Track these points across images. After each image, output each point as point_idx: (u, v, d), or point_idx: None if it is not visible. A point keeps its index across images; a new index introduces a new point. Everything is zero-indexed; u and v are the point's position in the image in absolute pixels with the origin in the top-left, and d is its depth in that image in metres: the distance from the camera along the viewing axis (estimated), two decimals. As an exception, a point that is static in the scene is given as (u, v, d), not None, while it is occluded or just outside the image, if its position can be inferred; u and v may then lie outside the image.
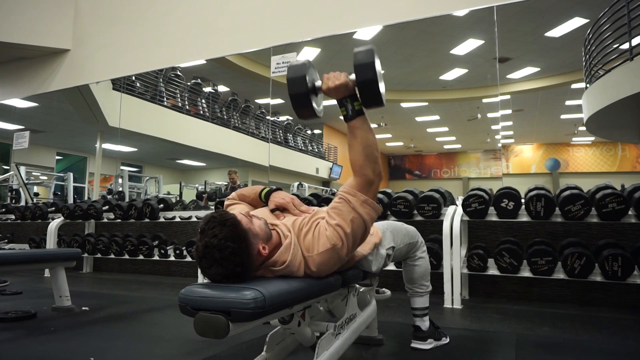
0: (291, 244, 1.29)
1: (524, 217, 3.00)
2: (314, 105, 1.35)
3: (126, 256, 4.53)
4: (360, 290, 1.85)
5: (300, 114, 1.34)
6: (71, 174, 9.64)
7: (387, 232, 1.74)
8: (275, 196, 1.53)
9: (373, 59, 1.28)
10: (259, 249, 1.23)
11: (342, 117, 1.35)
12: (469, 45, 9.02)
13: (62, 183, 9.88)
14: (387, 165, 20.39)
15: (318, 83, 1.36)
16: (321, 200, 3.60)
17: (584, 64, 6.89)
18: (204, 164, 13.74)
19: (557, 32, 8.30)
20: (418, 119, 14.55)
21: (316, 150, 14.88)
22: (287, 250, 1.28)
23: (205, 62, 7.63)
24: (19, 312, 2.64)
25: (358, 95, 1.33)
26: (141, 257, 4.47)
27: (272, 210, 1.50)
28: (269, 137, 11.73)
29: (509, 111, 12.82)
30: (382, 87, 1.33)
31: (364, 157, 1.33)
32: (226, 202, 1.64)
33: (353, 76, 1.32)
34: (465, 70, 10.49)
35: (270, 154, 9.94)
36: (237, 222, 1.19)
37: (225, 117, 10.95)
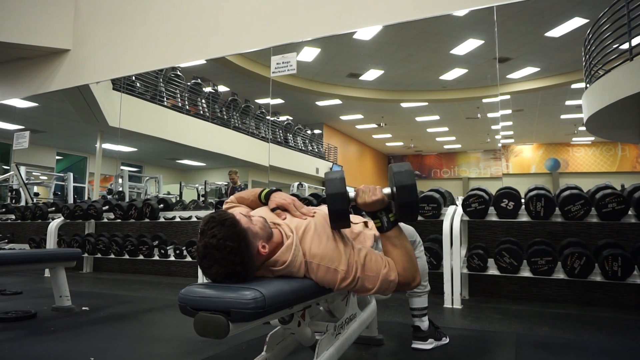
0: (293, 244, 1.29)
1: (524, 217, 3.00)
2: (349, 217, 1.38)
3: (126, 256, 4.53)
4: (360, 290, 1.85)
5: (337, 226, 1.37)
6: (71, 174, 9.65)
7: None
8: (275, 196, 1.53)
9: (414, 181, 1.31)
10: (259, 248, 1.23)
11: (376, 227, 1.41)
12: (469, 45, 9.03)
13: (62, 183, 9.88)
14: (387, 165, 20.37)
15: (352, 194, 1.39)
16: (321, 200, 3.60)
17: (584, 64, 6.89)
18: (204, 164, 13.75)
19: (557, 32, 8.31)
20: (418, 119, 14.56)
21: (316, 150, 14.88)
22: (288, 250, 1.28)
23: (205, 62, 7.63)
24: (19, 312, 2.64)
25: (392, 209, 1.38)
26: (141, 257, 4.47)
27: (273, 210, 1.50)
28: (269, 137, 11.73)
29: (508, 111, 12.83)
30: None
31: (407, 263, 1.38)
32: (225, 206, 1.64)
33: (386, 190, 1.37)
34: (465, 70, 10.50)
35: (270, 154, 9.94)
36: (236, 221, 1.19)
37: (225, 117, 10.95)
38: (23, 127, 7.40)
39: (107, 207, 4.75)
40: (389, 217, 1.38)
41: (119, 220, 4.69)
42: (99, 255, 4.69)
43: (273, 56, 4.05)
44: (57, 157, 12.01)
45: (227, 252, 1.14)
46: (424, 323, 1.94)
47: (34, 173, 10.99)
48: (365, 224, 1.65)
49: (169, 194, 10.46)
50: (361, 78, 11.23)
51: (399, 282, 1.37)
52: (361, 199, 1.37)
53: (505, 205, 2.98)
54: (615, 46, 5.92)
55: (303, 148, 13.85)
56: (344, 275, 1.29)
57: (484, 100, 11.91)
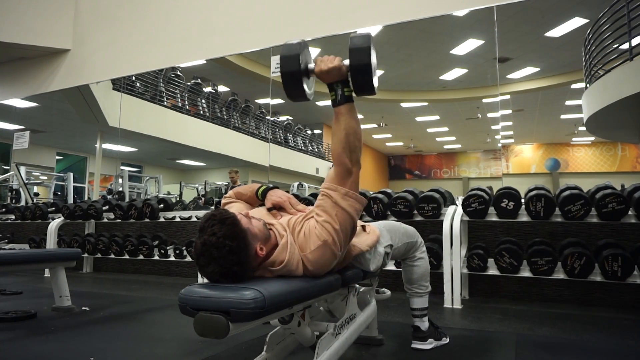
0: (287, 243, 1.29)
1: (524, 217, 3.00)
2: (305, 86, 1.33)
3: (126, 256, 4.53)
4: (360, 290, 1.85)
5: (290, 93, 1.33)
6: (71, 174, 9.65)
7: (385, 231, 1.74)
8: (271, 194, 1.53)
9: (369, 43, 1.27)
10: (257, 250, 1.23)
11: (330, 102, 1.34)
12: (469, 45, 9.03)
13: (62, 183, 9.88)
14: (387, 165, 20.40)
15: (311, 65, 1.35)
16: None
17: (584, 64, 6.89)
18: (204, 164, 13.74)
19: (557, 32, 8.30)
20: (418, 119, 14.56)
21: (316, 150, 14.87)
22: (284, 249, 1.28)
23: (205, 62, 7.62)
24: (19, 312, 2.64)
25: (350, 82, 1.32)
26: (141, 257, 4.47)
27: (269, 210, 1.49)
28: (269, 137, 11.73)
29: (509, 111, 12.82)
30: (375, 74, 1.32)
31: (343, 145, 1.32)
32: (223, 201, 1.64)
33: (347, 62, 1.31)
34: (465, 70, 10.49)
35: (270, 154, 9.94)
36: (237, 221, 1.19)
37: (225, 117, 10.95)
38: (23, 127, 7.40)
39: (107, 207, 4.75)
40: (344, 90, 1.32)
41: (119, 220, 4.69)
42: (99, 255, 4.69)
43: (273, 56, 4.06)
44: (57, 157, 12.01)
45: (226, 251, 1.14)
46: (424, 323, 1.94)
47: (34, 173, 10.99)
48: (363, 227, 1.65)
49: (169, 194, 10.45)
50: (361, 78, 11.21)
51: (340, 175, 1.31)
52: (318, 67, 1.32)
53: (505, 205, 2.98)
54: (615, 46, 5.92)
55: (303, 148, 13.85)
56: (332, 239, 1.27)
57: (484, 100, 11.91)
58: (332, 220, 1.29)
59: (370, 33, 1.31)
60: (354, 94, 1.34)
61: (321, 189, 1.36)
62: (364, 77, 1.29)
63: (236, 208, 1.46)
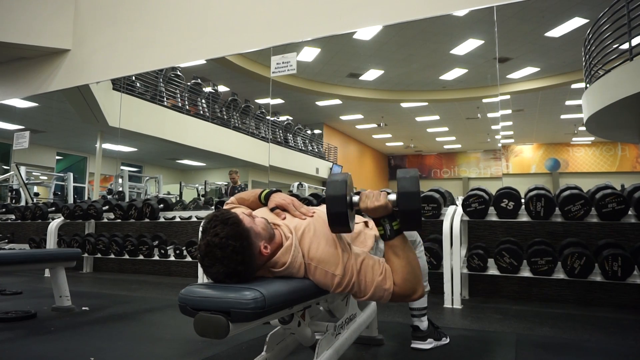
0: (292, 245, 1.29)
1: (524, 217, 3.00)
2: (350, 222, 1.33)
3: (126, 256, 4.53)
4: (360, 290, 1.85)
5: (336, 229, 1.33)
6: (71, 174, 9.64)
7: None
8: (275, 196, 1.53)
9: (418, 188, 1.27)
10: (261, 248, 1.23)
11: (380, 235, 1.37)
12: (469, 45, 9.04)
13: (62, 183, 9.88)
14: (387, 166, 20.41)
15: (355, 199, 1.35)
16: (321, 200, 3.60)
17: (584, 64, 6.89)
18: (204, 164, 13.75)
19: (557, 32, 8.31)
20: (418, 119, 14.56)
21: (316, 150, 14.87)
22: (287, 251, 1.28)
23: (205, 62, 7.63)
24: (19, 312, 2.64)
25: (396, 216, 1.34)
26: (141, 257, 4.47)
27: (272, 210, 1.50)
28: (269, 137, 11.73)
29: (509, 111, 12.83)
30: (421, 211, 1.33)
31: (407, 274, 1.33)
32: (226, 207, 1.64)
33: (392, 197, 1.32)
34: (465, 70, 10.50)
35: (270, 154, 9.95)
36: (239, 220, 1.19)
37: (225, 117, 10.95)
38: (23, 127, 7.41)
39: (107, 207, 4.75)
40: (392, 224, 1.34)
41: (119, 220, 4.69)
42: (99, 255, 4.69)
43: (273, 56, 4.05)
44: (57, 157, 12.01)
45: (230, 251, 1.14)
46: (423, 323, 1.94)
47: (34, 173, 10.99)
48: (366, 223, 1.65)
49: (169, 194, 10.46)
50: (361, 78, 11.23)
51: (395, 292, 1.33)
52: (363, 204, 1.33)
53: (505, 205, 2.98)
54: (615, 46, 5.92)
55: (303, 148, 13.85)
56: (340, 280, 1.29)
57: (484, 100, 11.92)
58: (355, 276, 1.30)
59: (417, 173, 1.31)
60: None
61: (383, 262, 1.36)
62: (413, 220, 1.30)
63: (239, 212, 1.46)
